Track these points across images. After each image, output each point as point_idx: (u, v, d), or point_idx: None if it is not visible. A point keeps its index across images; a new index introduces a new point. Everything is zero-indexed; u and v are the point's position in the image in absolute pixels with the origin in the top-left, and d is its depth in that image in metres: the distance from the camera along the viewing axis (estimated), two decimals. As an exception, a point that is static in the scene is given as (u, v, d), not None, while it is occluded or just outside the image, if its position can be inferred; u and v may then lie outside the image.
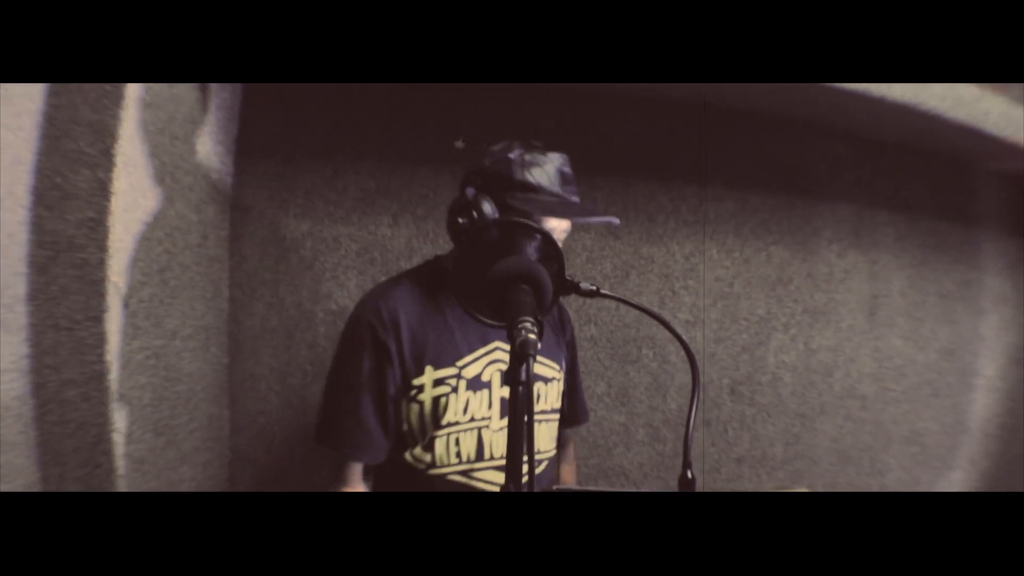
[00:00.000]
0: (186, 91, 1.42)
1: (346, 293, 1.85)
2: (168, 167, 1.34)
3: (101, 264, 1.11)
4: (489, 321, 1.27)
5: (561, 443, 1.48)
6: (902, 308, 2.39)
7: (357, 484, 1.24)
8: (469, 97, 1.89)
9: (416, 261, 1.87)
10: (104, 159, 1.11)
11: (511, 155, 1.20)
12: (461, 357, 1.25)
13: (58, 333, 1.06)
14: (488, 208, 1.17)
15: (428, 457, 1.24)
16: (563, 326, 1.47)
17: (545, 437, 1.35)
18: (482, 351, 1.27)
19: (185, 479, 1.48)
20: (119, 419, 1.17)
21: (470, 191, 1.20)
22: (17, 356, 1.00)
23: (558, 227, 1.22)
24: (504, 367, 1.19)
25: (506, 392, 0.80)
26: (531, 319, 0.83)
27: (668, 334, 1.00)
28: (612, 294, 1.12)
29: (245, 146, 1.78)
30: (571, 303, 1.82)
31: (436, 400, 1.22)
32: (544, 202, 1.19)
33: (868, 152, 2.31)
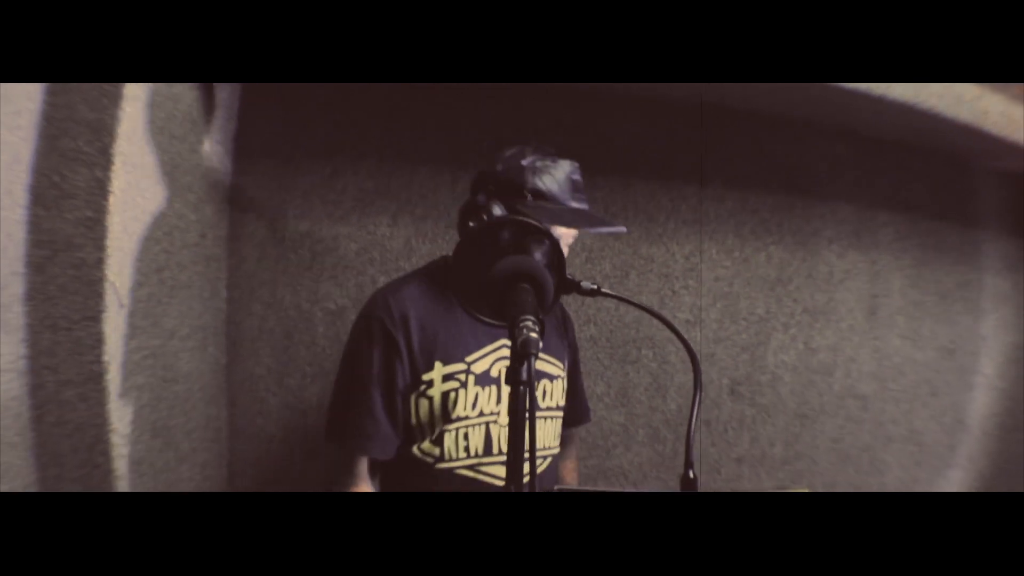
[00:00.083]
0: (185, 90, 1.42)
1: (345, 293, 1.85)
2: (167, 166, 1.33)
3: (99, 264, 1.10)
4: (490, 321, 1.27)
5: (564, 441, 1.48)
6: (902, 308, 2.39)
7: (364, 480, 1.24)
8: (469, 97, 1.89)
9: (415, 261, 1.87)
10: (102, 158, 1.10)
11: (524, 162, 1.22)
12: (470, 353, 1.26)
13: (56, 333, 1.06)
14: (499, 213, 1.19)
15: (436, 451, 1.25)
16: (565, 326, 1.48)
17: (550, 434, 1.36)
18: (490, 347, 1.28)
19: (183, 479, 1.48)
20: (117, 419, 1.16)
21: (481, 197, 1.22)
22: (14, 356, 1.00)
23: (566, 234, 1.26)
24: None
25: None
26: (532, 318, 0.83)
27: (668, 334, 1.00)
28: (613, 293, 1.12)
29: (244, 146, 1.78)
30: (570, 303, 1.82)
31: (445, 395, 1.23)
32: (553, 210, 1.21)
33: (868, 152, 2.31)
